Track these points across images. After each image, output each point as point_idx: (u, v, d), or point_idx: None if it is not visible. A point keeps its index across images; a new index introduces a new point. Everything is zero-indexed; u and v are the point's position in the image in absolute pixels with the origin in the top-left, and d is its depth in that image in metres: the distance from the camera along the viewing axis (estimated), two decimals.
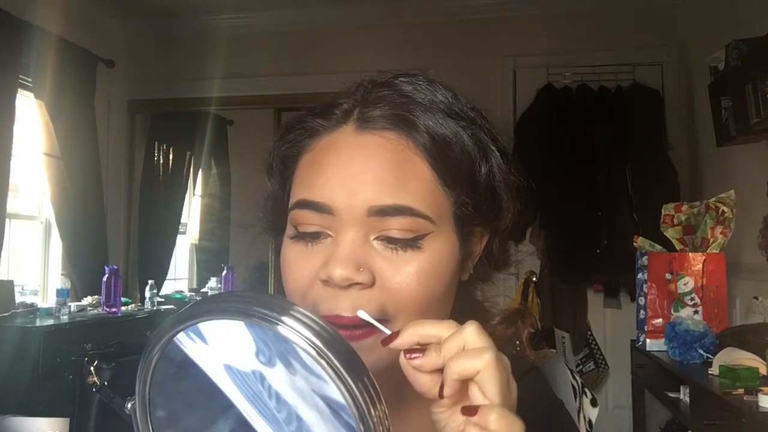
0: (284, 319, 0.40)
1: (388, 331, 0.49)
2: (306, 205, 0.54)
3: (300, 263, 0.55)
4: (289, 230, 0.57)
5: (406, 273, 0.53)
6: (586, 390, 0.74)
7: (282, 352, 0.41)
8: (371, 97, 0.57)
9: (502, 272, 0.65)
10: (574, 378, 0.72)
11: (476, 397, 0.44)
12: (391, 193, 0.52)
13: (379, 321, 0.52)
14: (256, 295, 0.41)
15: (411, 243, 0.53)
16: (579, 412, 0.71)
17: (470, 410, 0.44)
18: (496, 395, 0.43)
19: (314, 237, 0.55)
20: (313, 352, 0.39)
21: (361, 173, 0.53)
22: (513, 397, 0.45)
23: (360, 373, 0.40)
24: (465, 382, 0.46)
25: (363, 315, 0.51)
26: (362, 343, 0.53)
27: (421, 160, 0.54)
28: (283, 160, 0.60)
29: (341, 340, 0.41)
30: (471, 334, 0.45)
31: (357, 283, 0.52)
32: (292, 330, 0.40)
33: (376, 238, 0.53)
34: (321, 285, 0.53)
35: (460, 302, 0.61)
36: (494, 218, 0.60)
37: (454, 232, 0.56)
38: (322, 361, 0.39)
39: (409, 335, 0.46)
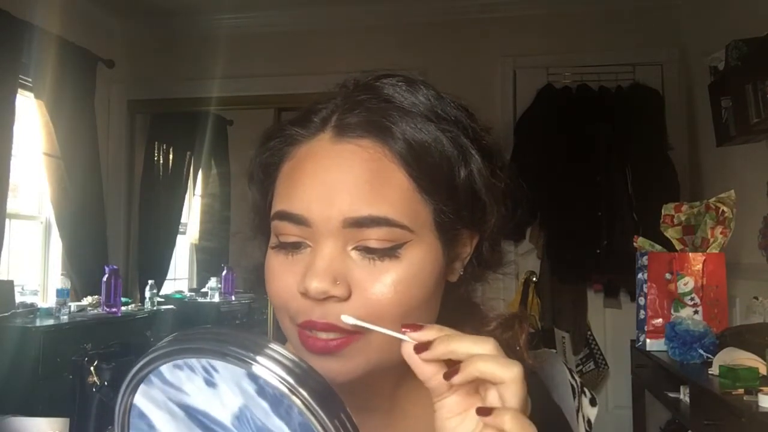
0: (258, 358, 0.40)
1: (377, 328, 0.50)
2: (284, 216, 0.54)
3: (281, 274, 0.55)
4: (272, 240, 0.57)
5: (383, 284, 0.52)
6: (585, 389, 0.74)
7: None
8: (350, 101, 0.57)
9: (497, 272, 0.64)
10: (572, 377, 0.72)
11: (494, 401, 0.46)
12: (367, 203, 0.52)
13: (355, 332, 0.52)
14: (233, 333, 0.41)
15: (389, 252, 0.52)
16: (578, 411, 0.71)
17: (485, 411, 0.45)
18: (516, 408, 0.45)
19: (295, 247, 0.55)
20: (285, 390, 0.39)
21: (336, 184, 0.53)
22: (528, 412, 0.46)
23: (336, 409, 0.40)
24: (474, 384, 0.47)
25: (348, 319, 0.51)
26: (341, 353, 0.53)
27: (398, 168, 0.53)
28: (264, 168, 0.60)
29: (316, 376, 0.41)
30: (492, 347, 0.47)
31: (333, 296, 0.52)
32: (265, 368, 0.40)
33: (354, 249, 0.53)
34: (300, 297, 0.53)
35: (453, 304, 0.60)
36: (479, 222, 0.59)
37: (436, 237, 0.55)
38: (295, 398, 0.39)
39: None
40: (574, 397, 0.70)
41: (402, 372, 0.57)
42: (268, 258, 0.57)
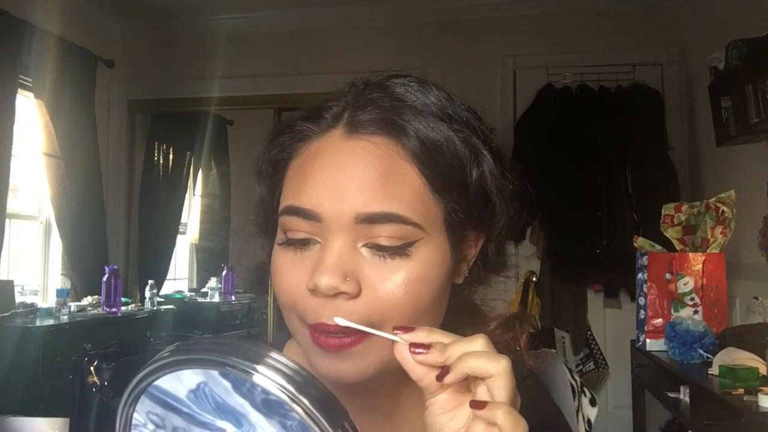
0: (258, 367, 0.40)
1: (372, 331, 0.50)
2: (294, 211, 0.54)
3: (289, 271, 0.54)
4: (279, 236, 0.56)
5: (393, 282, 0.52)
6: (585, 389, 0.73)
7: None
8: (362, 99, 0.57)
9: (500, 275, 0.64)
10: (573, 377, 0.72)
11: (483, 396, 0.46)
12: (379, 200, 0.52)
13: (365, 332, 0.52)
14: (233, 342, 0.41)
15: (399, 250, 0.52)
16: (578, 411, 0.71)
17: (479, 404, 0.45)
18: (506, 401, 0.45)
19: (303, 244, 0.54)
20: (286, 398, 0.39)
21: (348, 180, 0.52)
22: (517, 407, 0.47)
23: (339, 417, 0.40)
24: (465, 382, 0.47)
25: (341, 321, 0.51)
26: (351, 351, 0.52)
27: (410, 166, 0.53)
28: (273, 164, 0.59)
29: (317, 384, 0.40)
30: (481, 344, 0.47)
31: (343, 293, 0.51)
32: (266, 378, 0.39)
33: (364, 246, 0.53)
34: (309, 294, 0.53)
35: (456, 306, 0.60)
36: (488, 223, 0.59)
37: (446, 237, 0.55)
38: (296, 407, 0.39)
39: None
40: (574, 397, 0.70)
41: (404, 372, 0.58)
42: (274, 254, 0.56)
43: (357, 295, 0.52)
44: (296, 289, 0.53)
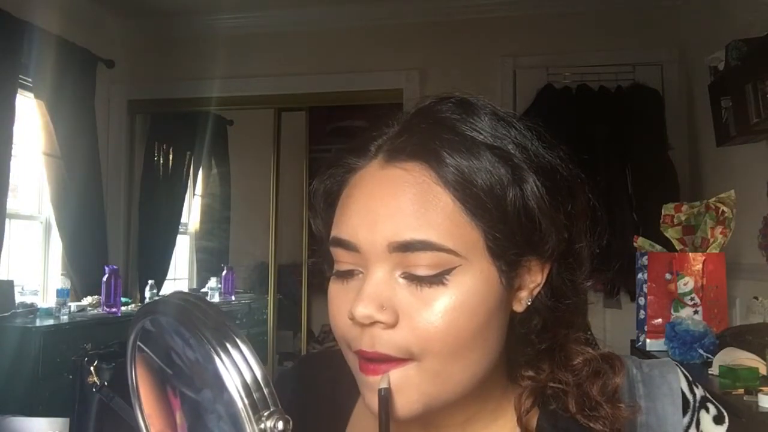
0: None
1: None
2: (336, 242, 0.55)
3: (336, 302, 0.55)
4: (333, 268, 0.57)
5: (430, 312, 0.51)
6: (710, 404, 0.63)
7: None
8: (404, 126, 0.56)
9: (569, 306, 0.61)
10: (692, 389, 0.63)
11: None
12: (410, 227, 0.51)
13: (404, 360, 0.51)
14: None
15: (435, 279, 0.51)
16: (688, 429, 0.62)
17: None
18: None
19: (349, 275, 0.54)
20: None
21: (380, 208, 0.52)
22: None
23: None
24: None
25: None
26: (393, 383, 0.52)
27: (444, 191, 0.52)
28: (325, 197, 0.60)
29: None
30: None
31: (379, 322, 0.51)
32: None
33: (402, 275, 0.52)
34: (351, 324, 0.53)
35: (523, 337, 0.58)
36: (536, 246, 0.55)
37: (491, 263, 0.53)
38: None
39: None
40: (686, 412, 0.62)
41: (471, 412, 0.58)
42: (329, 287, 0.57)
43: (394, 324, 0.51)
44: (342, 318, 0.54)
